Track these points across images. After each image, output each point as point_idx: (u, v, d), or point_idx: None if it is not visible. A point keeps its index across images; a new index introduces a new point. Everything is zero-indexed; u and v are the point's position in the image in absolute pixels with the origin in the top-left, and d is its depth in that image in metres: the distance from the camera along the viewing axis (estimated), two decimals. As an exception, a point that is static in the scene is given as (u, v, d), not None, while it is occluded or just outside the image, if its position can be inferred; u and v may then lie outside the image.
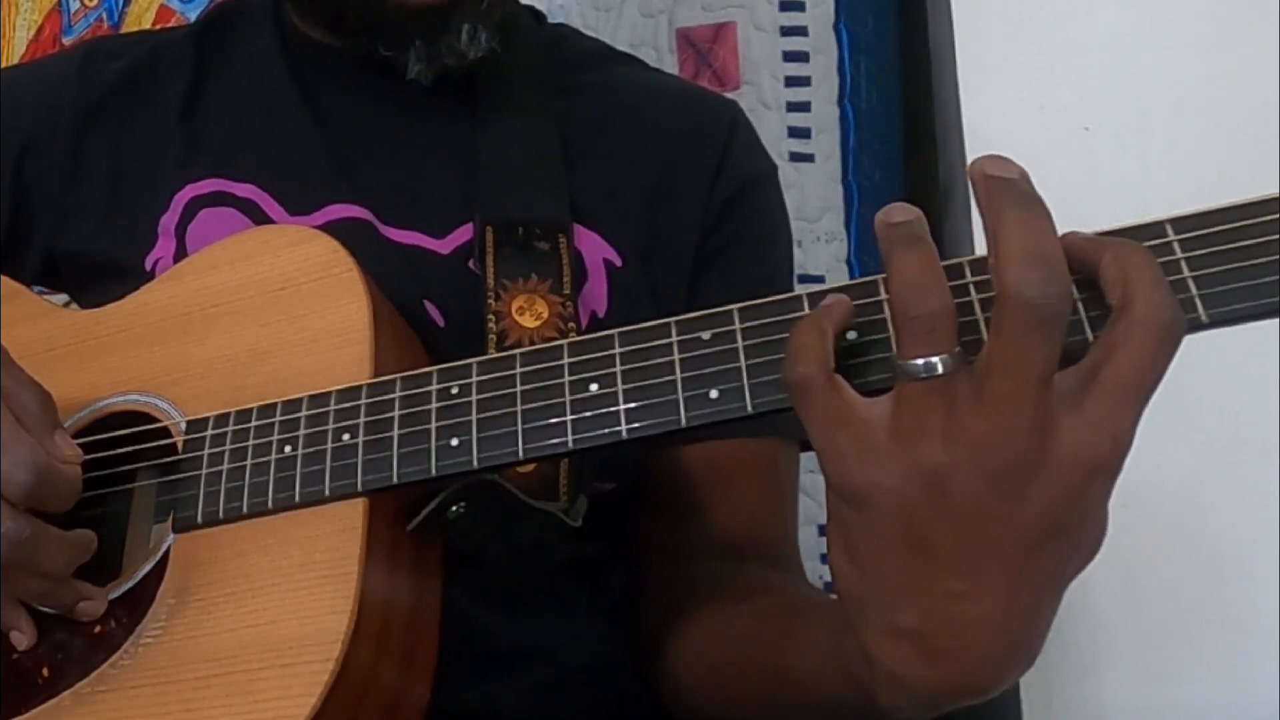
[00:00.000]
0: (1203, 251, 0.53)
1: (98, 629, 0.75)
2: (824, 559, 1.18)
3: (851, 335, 0.58)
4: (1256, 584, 1.12)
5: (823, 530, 1.26)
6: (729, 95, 1.30)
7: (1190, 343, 0.53)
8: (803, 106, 1.40)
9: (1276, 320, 0.53)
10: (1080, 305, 0.54)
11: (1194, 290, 0.53)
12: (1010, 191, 0.51)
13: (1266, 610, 1.10)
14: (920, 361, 0.52)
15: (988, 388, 0.51)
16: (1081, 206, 0.56)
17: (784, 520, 0.97)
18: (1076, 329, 0.54)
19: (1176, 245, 0.54)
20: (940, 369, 0.51)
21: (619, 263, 0.93)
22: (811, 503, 1.22)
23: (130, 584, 0.76)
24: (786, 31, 1.42)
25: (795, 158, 1.39)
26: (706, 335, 0.62)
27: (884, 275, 0.55)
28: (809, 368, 0.54)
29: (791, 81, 1.41)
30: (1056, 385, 0.51)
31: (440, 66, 0.92)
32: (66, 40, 1.90)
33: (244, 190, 0.92)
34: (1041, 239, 0.50)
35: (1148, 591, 1.16)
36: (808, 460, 1.15)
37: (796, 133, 1.40)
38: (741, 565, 0.90)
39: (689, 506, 0.93)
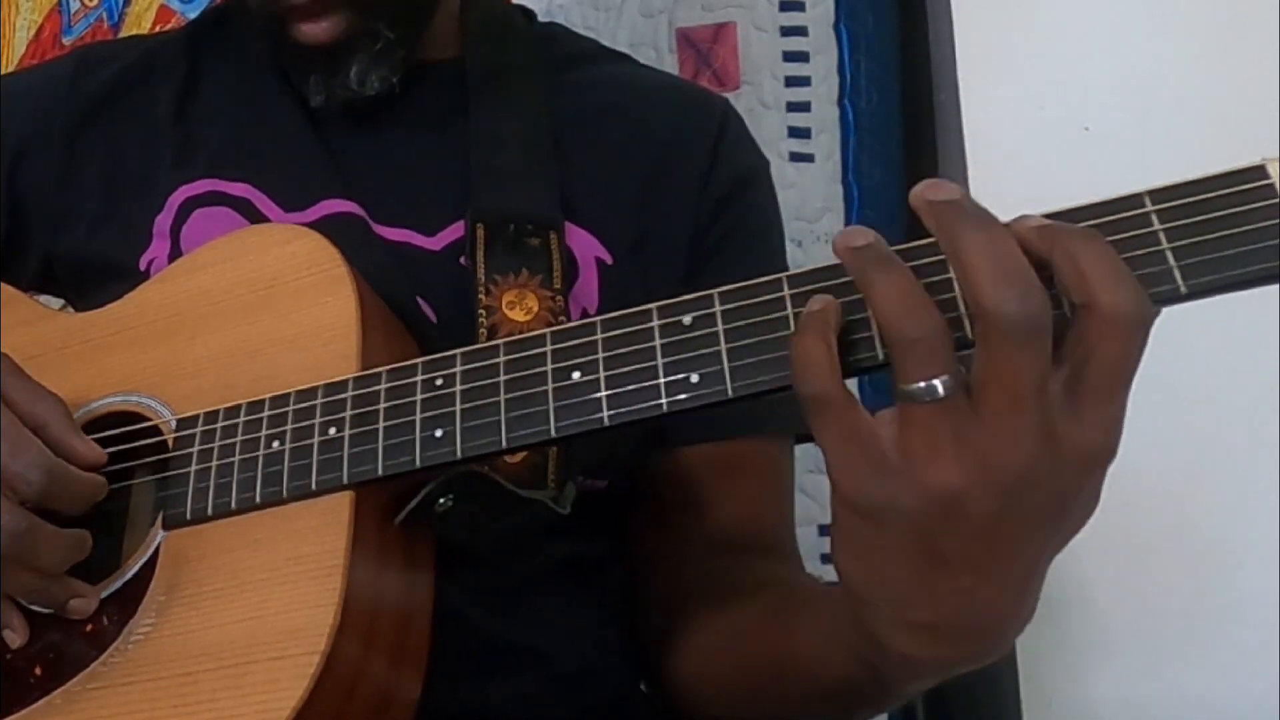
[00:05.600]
0: (1180, 222, 0.53)
1: (89, 627, 0.76)
2: (825, 559, 1.17)
3: None
4: (1254, 580, 1.12)
5: (823, 530, 1.25)
6: (729, 95, 1.30)
7: (1188, 338, 0.52)
8: (803, 106, 1.40)
9: (1275, 316, 0.53)
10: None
11: (1172, 261, 0.53)
12: (961, 213, 0.52)
13: (1264, 606, 1.10)
14: (922, 384, 0.52)
15: (986, 405, 0.51)
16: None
17: (783, 514, 0.97)
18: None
19: (1154, 216, 0.53)
20: (941, 391, 0.51)
21: (610, 260, 0.93)
22: (812, 503, 1.22)
23: (121, 581, 0.76)
24: (786, 31, 1.42)
25: (795, 158, 1.38)
26: (687, 320, 0.62)
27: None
28: (825, 384, 0.54)
29: (791, 81, 1.41)
30: (1048, 390, 0.51)
31: (339, 98, 0.93)
32: (66, 40, 1.90)
33: (238, 189, 0.93)
34: (1007, 255, 0.51)
35: (1146, 588, 1.16)
36: (807, 460, 1.14)
37: (796, 133, 1.39)
38: (742, 559, 0.90)
39: (690, 505, 0.93)
